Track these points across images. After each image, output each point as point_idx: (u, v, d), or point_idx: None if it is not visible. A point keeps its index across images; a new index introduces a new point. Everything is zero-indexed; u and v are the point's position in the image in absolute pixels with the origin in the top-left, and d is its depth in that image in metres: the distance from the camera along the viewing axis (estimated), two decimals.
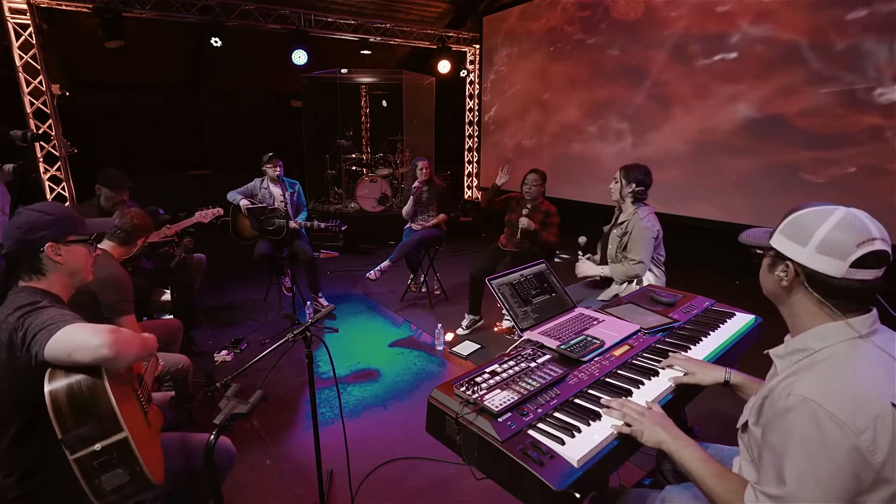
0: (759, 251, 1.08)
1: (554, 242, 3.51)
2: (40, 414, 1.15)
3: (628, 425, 1.13)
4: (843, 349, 0.92)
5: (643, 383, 1.34)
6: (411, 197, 4.31)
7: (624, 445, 1.14)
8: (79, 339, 1.17)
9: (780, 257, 1.00)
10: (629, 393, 1.30)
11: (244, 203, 3.99)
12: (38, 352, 1.16)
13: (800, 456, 0.84)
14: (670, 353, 1.46)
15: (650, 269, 2.67)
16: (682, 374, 1.36)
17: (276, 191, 4.09)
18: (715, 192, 4.80)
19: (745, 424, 1.06)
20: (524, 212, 3.48)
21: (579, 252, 2.80)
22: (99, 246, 2.20)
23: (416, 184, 4.26)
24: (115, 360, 1.18)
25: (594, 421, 1.17)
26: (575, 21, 6.04)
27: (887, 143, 3.63)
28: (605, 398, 1.22)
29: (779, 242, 1.00)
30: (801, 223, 0.97)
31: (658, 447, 1.10)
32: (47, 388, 1.14)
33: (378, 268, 4.07)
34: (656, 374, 1.38)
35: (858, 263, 0.89)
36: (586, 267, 2.78)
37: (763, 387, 1.06)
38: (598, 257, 2.89)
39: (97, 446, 1.14)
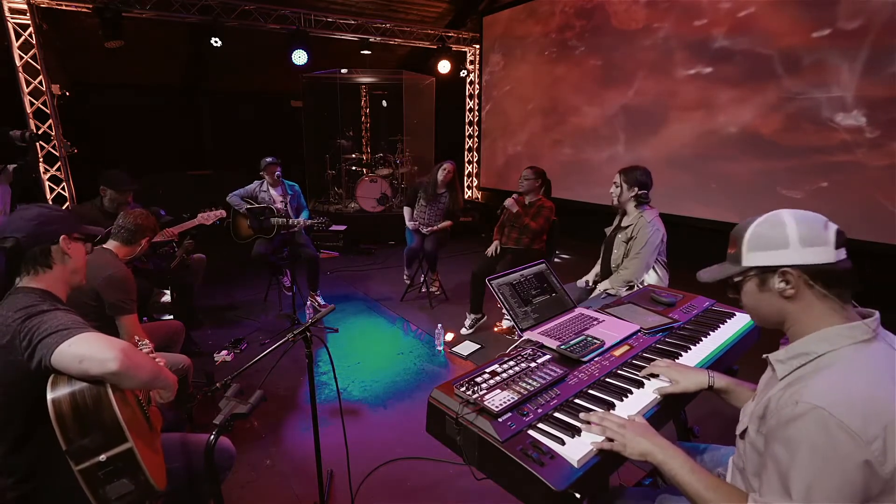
0: (735, 280, 1.03)
1: (534, 227, 3.54)
2: (39, 419, 1.13)
3: (610, 440, 1.07)
4: (848, 353, 0.89)
5: (627, 395, 1.28)
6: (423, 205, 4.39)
7: None
8: (93, 348, 1.15)
9: (768, 271, 0.97)
10: (628, 394, 1.29)
11: (241, 205, 4.11)
12: (44, 356, 1.13)
13: (808, 466, 0.81)
14: (653, 361, 1.40)
15: (653, 269, 2.67)
16: (667, 383, 1.31)
17: (276, 194, 4.21)
18: (711, 194, 4.80)
19: (745, 431, 1.02)
20: (514, 195, 3.59)
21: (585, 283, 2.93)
22: (104, 246, 2.23)
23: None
24: (120, 377, 1.16)
25: None
26: (575, 26, 6.04)
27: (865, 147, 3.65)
28: (582, 414, 1.16)
29: (756, 259, 0.98)
30: (764, 233, 0.97)
31: (643, 459, 1.04)
32: (50, 396, 1.12)
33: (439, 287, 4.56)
34: (640, 385, 1.33)
35: (837, 243, 0.91)
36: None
37: (761, 392, 1.02)
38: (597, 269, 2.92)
39: (102, 457, 1.12)
